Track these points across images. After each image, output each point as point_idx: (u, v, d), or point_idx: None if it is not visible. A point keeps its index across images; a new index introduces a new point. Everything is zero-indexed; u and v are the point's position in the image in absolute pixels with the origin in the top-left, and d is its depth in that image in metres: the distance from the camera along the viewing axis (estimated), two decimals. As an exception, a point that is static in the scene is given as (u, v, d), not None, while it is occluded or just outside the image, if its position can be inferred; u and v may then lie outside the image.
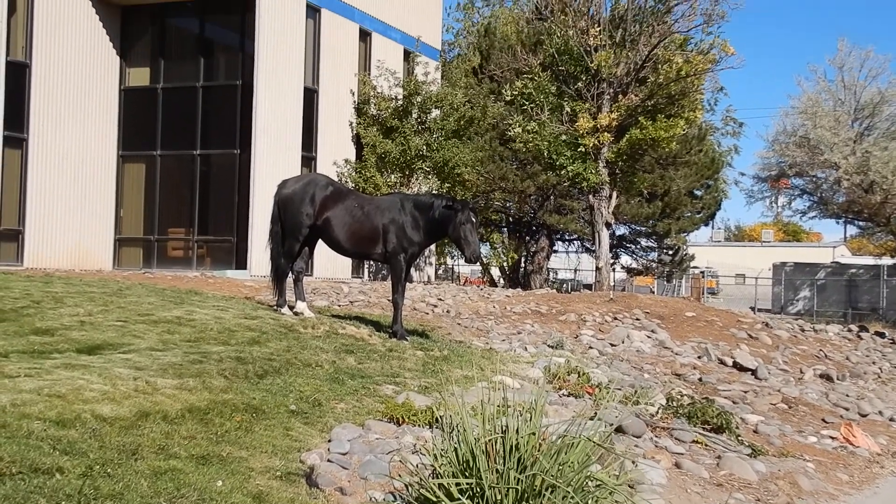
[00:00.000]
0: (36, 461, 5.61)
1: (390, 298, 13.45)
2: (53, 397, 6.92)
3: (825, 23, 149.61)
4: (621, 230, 43.16)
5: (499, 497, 5.48)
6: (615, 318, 18.85)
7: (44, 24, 25.04)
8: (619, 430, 8.81)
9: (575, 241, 45.11)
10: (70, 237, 25.73)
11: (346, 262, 27.03)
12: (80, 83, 26.20)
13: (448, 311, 17.85)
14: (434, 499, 5.56)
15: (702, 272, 50.63)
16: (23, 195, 24.64)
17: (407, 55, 32.32)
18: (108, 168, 27.12)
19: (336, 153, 28.81)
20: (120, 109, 27.42)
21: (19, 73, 24.58)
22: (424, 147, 29.72)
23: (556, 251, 45.57)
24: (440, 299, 19.44)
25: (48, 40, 25.19)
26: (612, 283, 32.66)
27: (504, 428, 5.74)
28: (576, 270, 51.33)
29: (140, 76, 27.85)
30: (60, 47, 25.54)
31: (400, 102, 29.90)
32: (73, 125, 25.91)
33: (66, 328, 10.02)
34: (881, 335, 22.91)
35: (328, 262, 25.43)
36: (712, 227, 75.22)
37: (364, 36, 30.31)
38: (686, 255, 46.04)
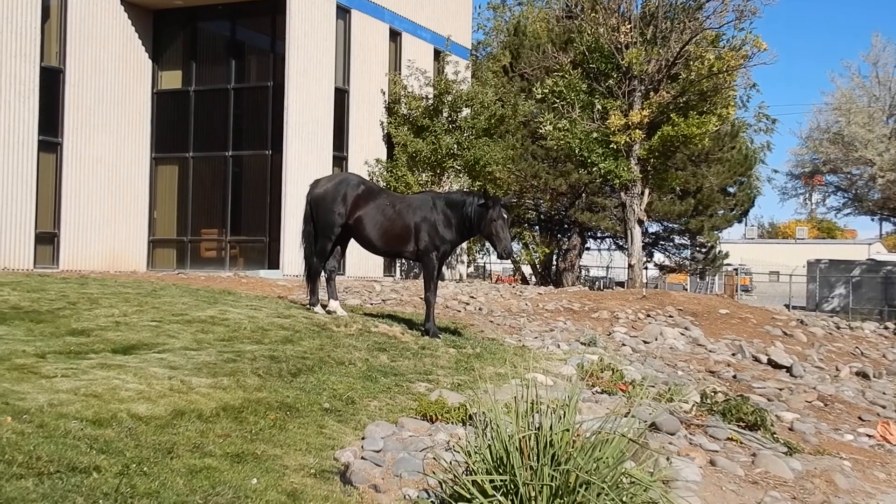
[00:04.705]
0: (73, 460, 5.66)
1: (422, 296, 13.45)
2: (90, 397, 6.99)
3: (859, 18, 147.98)
4: (654, 227, 42.94)
5: (533, 494, 5.46)
6: (648, 316, 18.75)
7: (77, 29, 25.29)
8: (653, 427, 8.76)
9: (607, 239, 44.94)
10: (104, 239, 25.97)
11: (378, 261, 27.11)
12: (113, 87, 26.45)
13: (480, 309, 17.83)
14: (468, 496, 5.55)
15: (735, 269, 50.17)
16: (58, 198, 24.90)
17: (437, 54, 32.33)
18: (142, 170, 27.37)
19: (367, 153, 28.88)
20: (152, 112, 27.65)
21: (53, 79, 24.83)
22: (455, 146, 29.73)
23: (588, 249, 45.40)
24: (472, 297, 19.44)
25: (81, 45, 25.44)
26: (644, 281, 32.48)
27: (538, 425, 5.72)
28: (608, 268, 51.09)
29: (172, 79, 28.07)
30: (93, 52, 25.78)
31: (430, 101, 29.92)
32: (106, 129, 26.15)
33: (102, 329, 10.10)
34: (918, 332, 22.60)
35: (360, 261, 25.50)
36: (746, 225, 74.56)
37: (394, 36, 30.35)
38: (719, 252, 45.66)
